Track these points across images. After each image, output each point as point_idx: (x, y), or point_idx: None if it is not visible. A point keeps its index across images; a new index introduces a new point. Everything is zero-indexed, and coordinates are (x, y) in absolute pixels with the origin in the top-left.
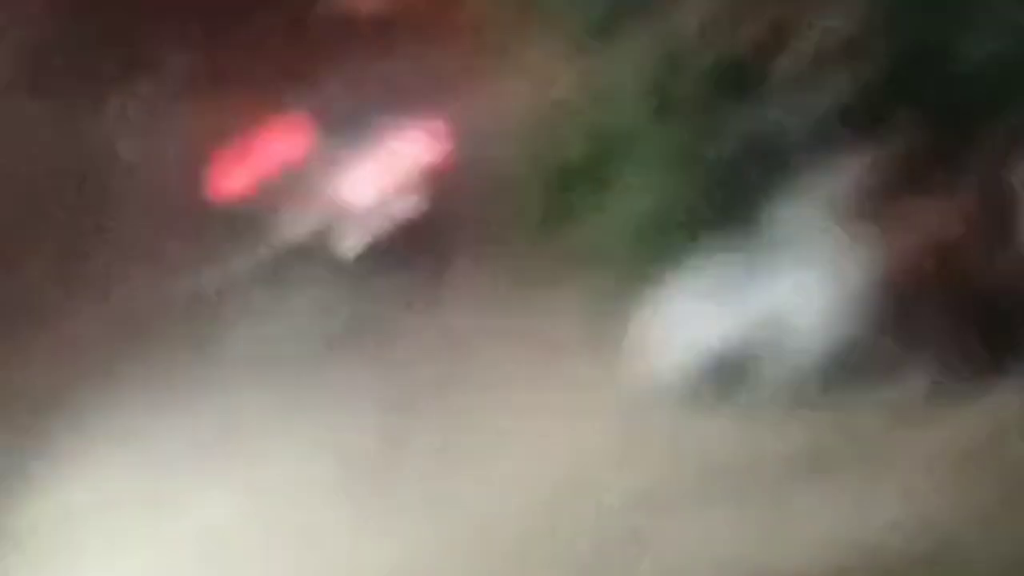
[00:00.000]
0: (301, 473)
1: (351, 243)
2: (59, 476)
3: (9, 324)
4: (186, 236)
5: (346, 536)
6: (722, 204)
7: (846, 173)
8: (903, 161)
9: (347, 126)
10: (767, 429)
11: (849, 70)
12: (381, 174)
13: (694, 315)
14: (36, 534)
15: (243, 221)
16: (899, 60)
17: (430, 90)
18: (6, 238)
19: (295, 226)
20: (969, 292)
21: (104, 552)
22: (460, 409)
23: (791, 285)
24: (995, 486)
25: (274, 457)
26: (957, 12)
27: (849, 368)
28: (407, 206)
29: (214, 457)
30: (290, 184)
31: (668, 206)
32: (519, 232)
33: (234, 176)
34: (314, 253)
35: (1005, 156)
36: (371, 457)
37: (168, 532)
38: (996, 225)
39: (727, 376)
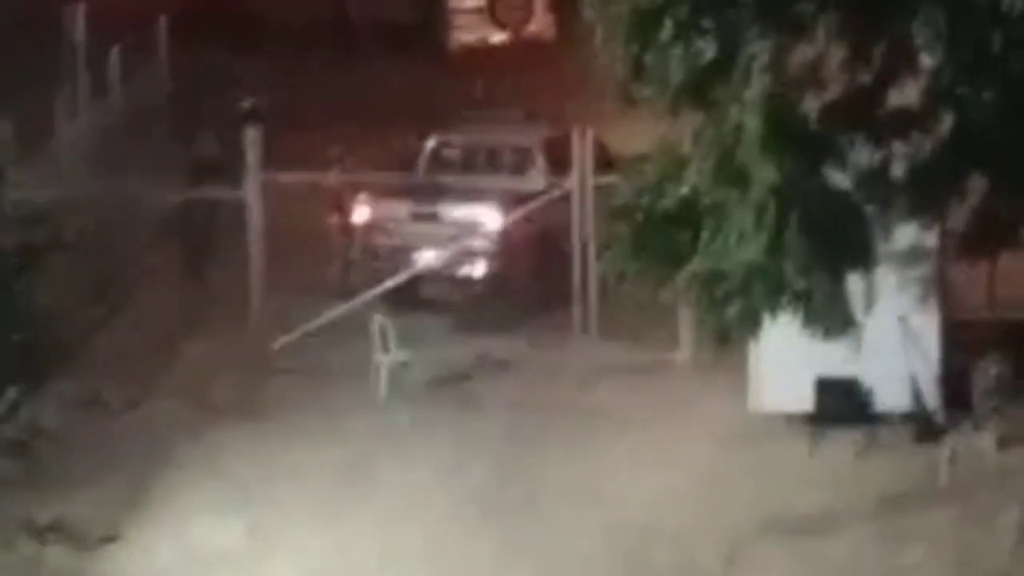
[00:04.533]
0: (421, 503)
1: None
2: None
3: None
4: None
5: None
6: (830, 241)
7: (911, 237)
8: (965, 224)
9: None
10: (885, 457)
11: (910, 138)
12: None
13: (806, 347)
14: None
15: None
16: (959, 129)
17: (508, 153)
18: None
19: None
20: None
21: None
22: (584, 432)
23: (897, 320)
24: None
25: (393, 491)
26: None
27: (957, 399)
28: (483, 263)
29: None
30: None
31: (778, 244)
32: (634, 269)
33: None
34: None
35: None
36: (487, 490)
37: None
38: None
39: (841, 406)
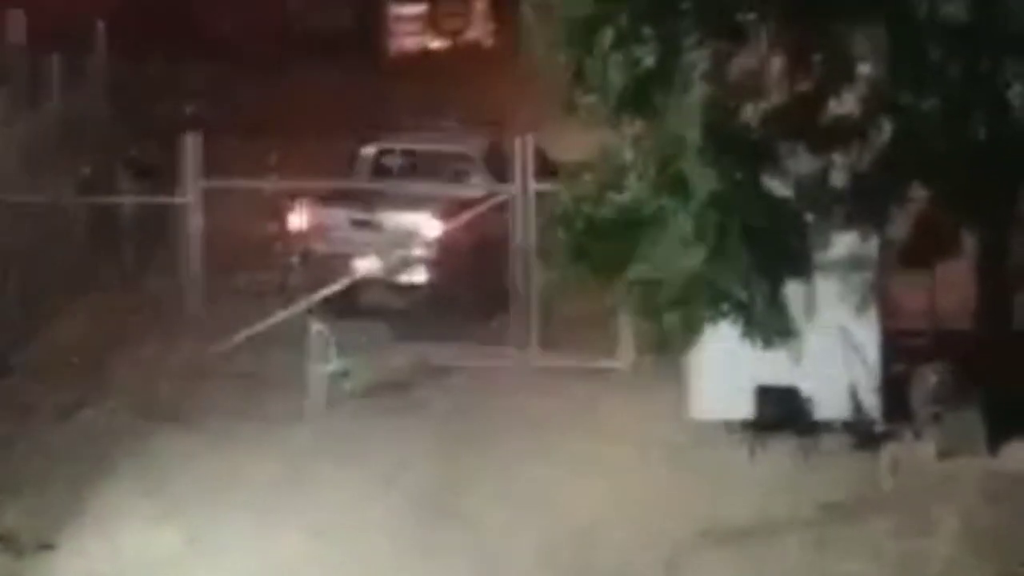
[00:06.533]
0: (358, 511)
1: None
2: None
3: (72, 362)
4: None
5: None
6: (770, 249)
7: (852, 245)
8: (906, 232)
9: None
10: (825, 466)
11: (851, 146)
12: (400, 239)
13: (746, 355)
14: None
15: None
16: (899, 137)
17: (449, 159)
18: (70, 275)
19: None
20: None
21: None
22: (522, 440)
23: (837, 329)
24: None
25: (329, 501)
26: (955, 93)
27: (897, 408)
28: (423, 271)
29: (281, 494)
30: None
31: (677, 272)
32: (574, 277)
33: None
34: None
35: (1002, 226)
36: (425, 497)
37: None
38: (992, 294)
39: (781, 414)
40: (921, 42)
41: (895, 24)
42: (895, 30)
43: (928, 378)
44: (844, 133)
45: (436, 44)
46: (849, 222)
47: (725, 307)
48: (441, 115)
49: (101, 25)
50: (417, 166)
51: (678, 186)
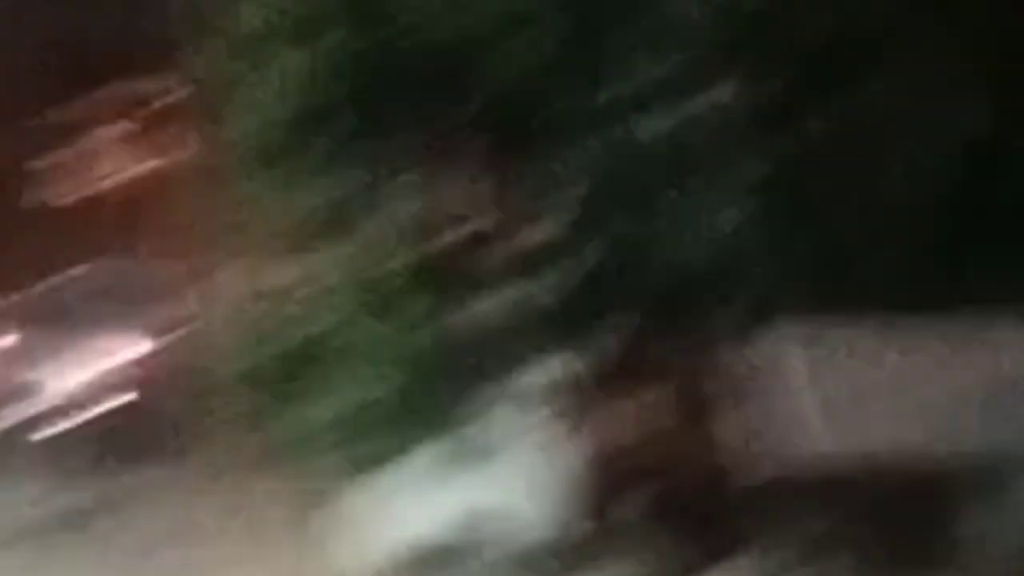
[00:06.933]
0: None
1: (52, 433)
2: None
3: None
4: None
5: None
6: (430, 398)
7: (555, 369)
8: (609, 357)
9: (51, 322)
10: None
11: (556, 269)
12: (83, 369)
13: (401, 506)
14: None
15: None
16: (604, 261)
17: (138, 286)
18: None
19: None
20: (670, 485)
21: None
22: None
23: (499, 478)
24: None
25: None
26: (661, 216)
27: (559, 556)
28: (111, 400)
29: None
30: None
31: (374, 400)
32: (229, 423)
33: None
34: (16, 443)
35: (706, 352)
36: None
37: None
38: (694, 420)
39: (433, 567)
40: (629, 164)
41: (601, 145)
42: (601, 152)
43: (630, 500)
44: (552, 254)
45: (137, 167)
46: (558, 343)
47: (429, 430)
48: (134, 241)
49: None
50: (114, 291)
51: (380, 311)
